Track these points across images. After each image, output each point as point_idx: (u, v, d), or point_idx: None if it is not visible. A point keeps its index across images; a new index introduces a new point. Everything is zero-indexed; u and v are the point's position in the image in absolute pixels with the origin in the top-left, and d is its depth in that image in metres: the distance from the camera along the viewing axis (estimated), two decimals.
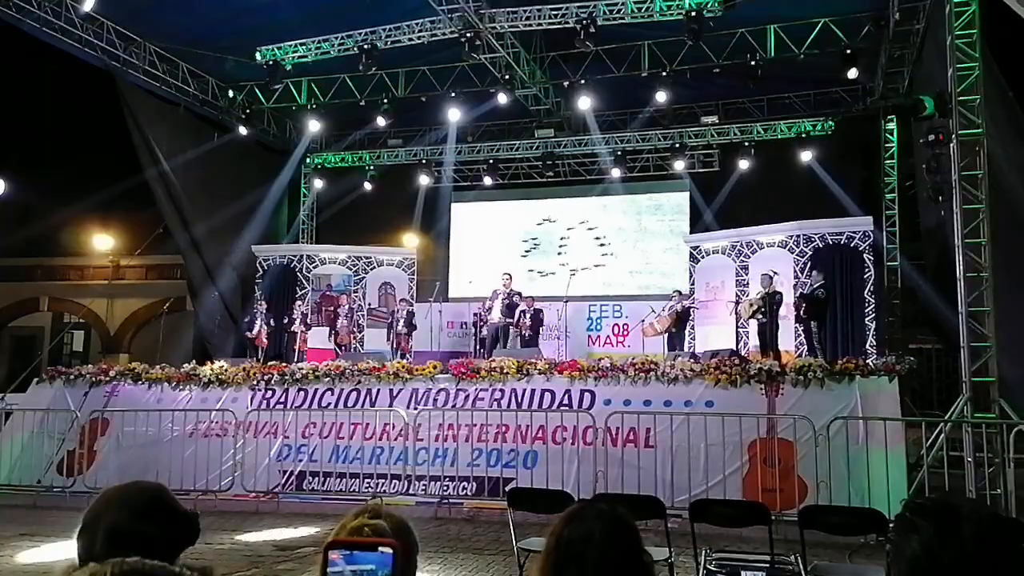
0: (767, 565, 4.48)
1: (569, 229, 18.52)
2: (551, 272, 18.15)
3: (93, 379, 12.65)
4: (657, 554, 4.75)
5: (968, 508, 1.31)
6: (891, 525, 1.36)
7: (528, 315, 14.13)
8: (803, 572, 4.28)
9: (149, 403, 11.98)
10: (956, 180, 9.41)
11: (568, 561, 1.50)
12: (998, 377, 9.08)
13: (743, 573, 4.33)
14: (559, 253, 18.42)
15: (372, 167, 19.32)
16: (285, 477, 10.94)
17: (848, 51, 13.62)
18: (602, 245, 18.31)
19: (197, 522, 1.74)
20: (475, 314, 15.23)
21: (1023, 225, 10.36)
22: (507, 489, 7.59)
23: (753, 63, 13.91)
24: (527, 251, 18.70)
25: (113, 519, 1.65)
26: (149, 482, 1.85)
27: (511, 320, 13.98)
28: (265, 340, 14.68)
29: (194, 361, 13.01)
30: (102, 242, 23.61)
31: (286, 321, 15.28)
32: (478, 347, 14.44)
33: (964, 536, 1.26)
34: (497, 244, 18.80)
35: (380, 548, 0.85)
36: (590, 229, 18.42)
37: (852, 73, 13.90)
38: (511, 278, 14.51)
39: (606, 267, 18.09)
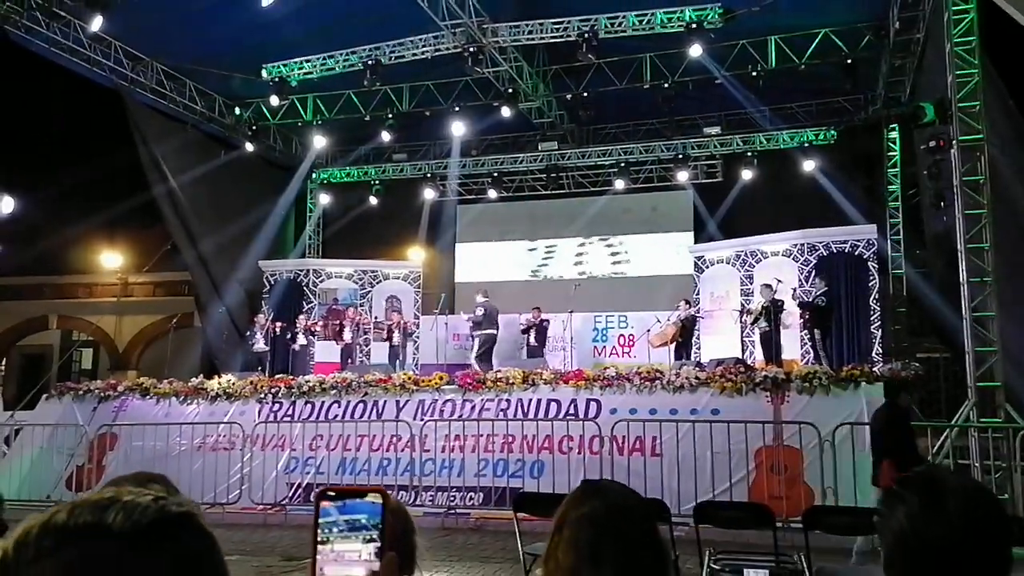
0: (772, 564, 4.49)
1: (580, 245, 18.65)
2: (558, 277, 18.28)
3: (102, 394, 12.74)
4: None
5: (953, 481, 1.34)
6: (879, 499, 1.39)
7: (534, 326, 14.28)
8: (807, 572, 4.28)
9: (157, 417, 12.04)
10: (958, 186, 9.44)
11: (603, 535, 1.47)
12: (1004, 382, 9.06)
13: (747, 571, 4.34)
14: (576, 263, 18.57)
15: (377, 182, 19.43)
16: (292, 489, 10.96)
17: (849, 61, 13.67)
18: (615, 254, 18.43)
19: None
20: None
21: None
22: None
23: (755, 74, 13.98)
24: (536, 264, 18.85)
25: None
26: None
27: (494, 331, 14.05)
28: (264, 347, 14.84)
29: (201, 375, 13.08)
30: (110, 260, 23.75)
31: (289, 336, 15.36)
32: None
33: (949, 509, 1.28)
34: (502, 256, 18.91)
35: (370, 496, 0.89)
36: (601, 240, 18.54)
37: (853, 83, 13.95)
38: (487, 292, 14.68)
39: (609, 278, 18.17)
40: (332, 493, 0.90)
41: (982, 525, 1.28)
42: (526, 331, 14.50)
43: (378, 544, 0.87)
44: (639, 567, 1.46)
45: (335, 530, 0.88)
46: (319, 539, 0.88)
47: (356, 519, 0.88)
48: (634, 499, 1.58)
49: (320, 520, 0.89)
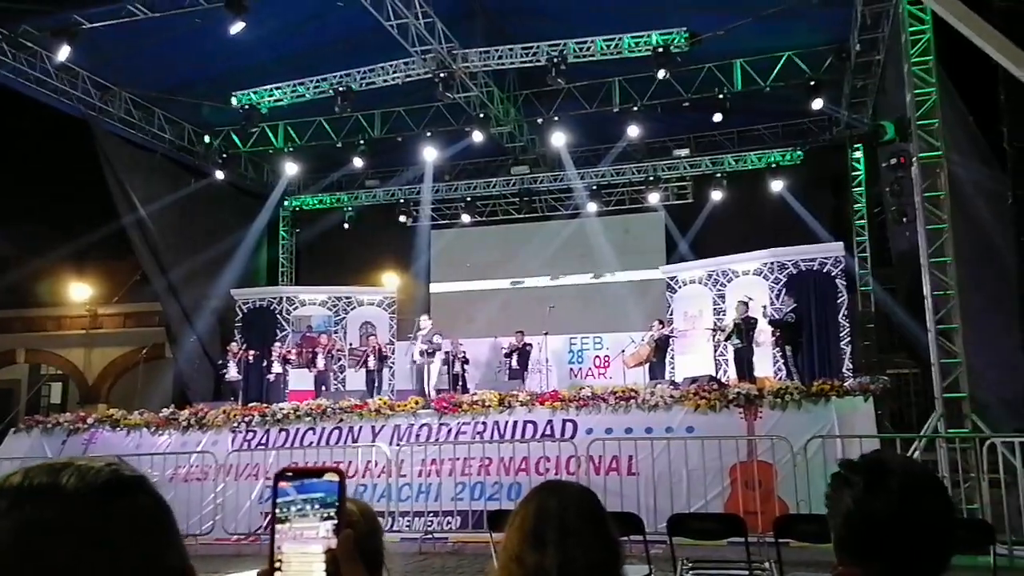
0: (745, 573, 4.52)
1: (563, 271, 18.69)
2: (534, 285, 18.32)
3: (71, 427, 12.53)
4: (637, 572, 4.78)
5: (896, 463, 1.40)
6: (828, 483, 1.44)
7: (517, 350, 14.40)
8: None
9: (128, 449, 11.83)
10: (919, 202, 9.64)
11: (547, 523, 1.55)
12: (971, 396, 9.20)
13: None
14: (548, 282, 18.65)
15: (350, 208, 19.42)
16: (267, 519, 10.80)
17: (812, 83, 13.95)
18: (595, 277, 18.50)
19: None
20: (447, 352, 15.24)
21: (990, 247, 10.61)
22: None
23: (721, 96, 14.21)
24: (510, 283, 18.88)
25: None
26: None
27: (431, 360, 14.01)
28: (237, 375, 14.72)
29: (173, 406, 12.91)
30: (79, 291, 23.42)
31: (265, 364, 15.23)
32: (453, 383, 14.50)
33: (892, 487, 1.34)
34: (476, 280, 18.91)
35: (327, 476, 0.91)
36: (572, 261, 18.60)
37: (817, 104, 14.21)
38: (430, 318, 14.72)
39: (585, 291, 18.25)
40: (290, 473, 0.92)
41: (924, 500, 1.34)
42: (509, 355, 14.58)
43: (335, 522, 0.89)
44: (583, 555, 1.52)
45: (293, 509, 0.90)
46: (277, 518, 0.90)
47: (313, 497, 0.90)
48: (587, 497, 1.65)
49: (278, 500, 0.91)
